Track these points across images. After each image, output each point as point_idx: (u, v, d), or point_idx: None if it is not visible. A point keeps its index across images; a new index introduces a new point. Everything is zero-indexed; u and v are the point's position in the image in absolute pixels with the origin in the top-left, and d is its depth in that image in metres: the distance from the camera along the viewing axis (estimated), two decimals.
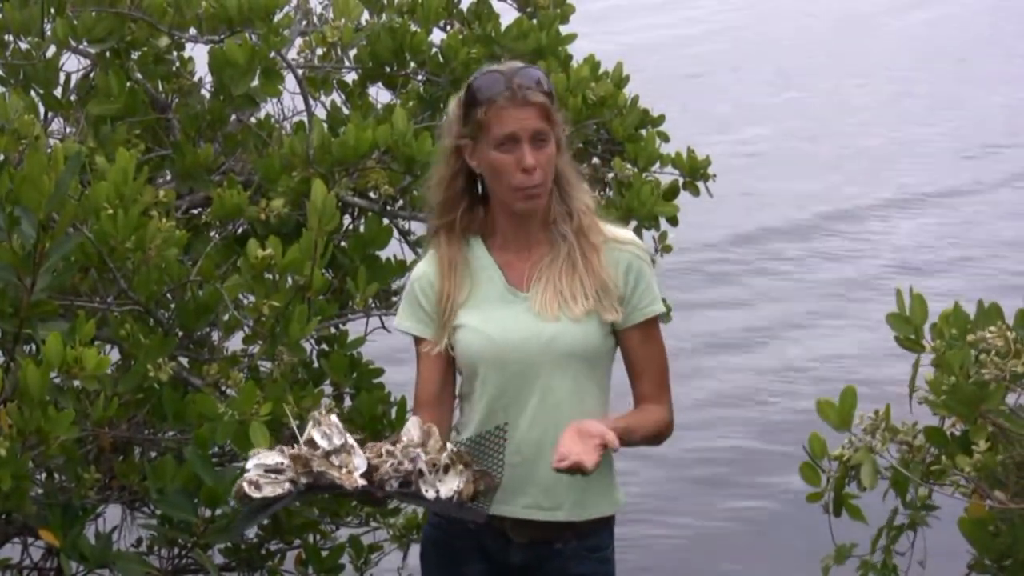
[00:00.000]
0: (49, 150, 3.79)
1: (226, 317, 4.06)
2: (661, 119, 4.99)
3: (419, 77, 4.97)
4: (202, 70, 4.65)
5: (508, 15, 5.23)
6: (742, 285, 9.61)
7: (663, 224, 4.77)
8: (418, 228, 4.49)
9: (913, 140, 12.96)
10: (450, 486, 3.01)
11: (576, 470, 2.97)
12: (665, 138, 4.94)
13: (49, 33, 4.44)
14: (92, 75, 4.65)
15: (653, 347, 3.31)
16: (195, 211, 4.56)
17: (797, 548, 5.39)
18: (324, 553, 4.34)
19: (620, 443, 3.11)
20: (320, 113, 4.76)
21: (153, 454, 4.12)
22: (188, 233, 4.09)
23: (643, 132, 4.91)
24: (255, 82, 4.48)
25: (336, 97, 5.01)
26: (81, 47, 4.56)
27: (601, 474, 3.12)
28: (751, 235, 10.50)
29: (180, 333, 4.11)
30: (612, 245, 3.29)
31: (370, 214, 4.56)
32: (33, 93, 4.48)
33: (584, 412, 3.21)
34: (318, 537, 4.43)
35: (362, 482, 2.99)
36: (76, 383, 3.54)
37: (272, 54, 4.45)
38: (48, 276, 3.62)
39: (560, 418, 3.18)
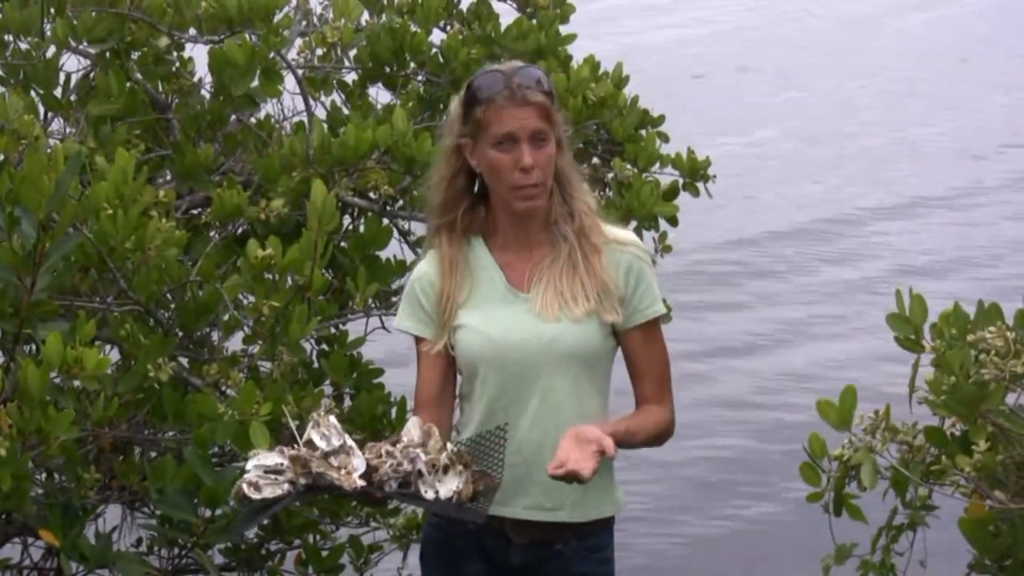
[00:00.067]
0: (49, 150, 3.79)
1: (226, 317, 4.06)
2: (661, 119, 5.00)
3: (419, 77, 4.97)
4: (202, 70, 4.65)
5: (508, 15, 5.23)
6: (743, 286, 9.60)
7: (663, 224, 4.77)
8: (418, 228, 4.49)
9: (915, 141, 12.95)
10: (449, 487, 3.01)
11: (572, 478, 2.97)
12: (665, 138, 4.94)
13: (49, 33, 4.44)
14: (92, 75, 4.65)
15: (654, 348, 3.31)
16: (195, 211, 4.56)
17: (798, 550, 5.39)
18: (324, 553, 4.34)
19: (622, 446, 3.11)
20: (320, 113, 4.77)
21: (153, 454, 4.12)
22: (188, 233, 4.09)
23: (643, 132, 4.91)
24: (255, 82, 4.48)
25: (336, 97, 5.01)
26: (81, 47, 4.56)
27: (601, 475, 3.12)
28: (751, 237, 10.48)
29: (180, 333, 4.11)
30: (613, 246, 3.28)
31: (370, 214, 4.56)
32: (33, 93, 4.48)
33: (584, 413, 3.21)
34: (318, 537, 4.43)
35: (361, 483, 2.99)
36: (76, 383, 3.54)
37: (272, 54, 4.45)
38: (48, 276, 3.62)
39: (561, 419, 3.19)
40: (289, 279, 3.91)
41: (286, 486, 2.96)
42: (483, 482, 3.06)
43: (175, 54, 4.70)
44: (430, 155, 4.16)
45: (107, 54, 4.58)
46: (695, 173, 4.87)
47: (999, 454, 3.00)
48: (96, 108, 4.45)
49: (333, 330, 4.41)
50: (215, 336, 4.22)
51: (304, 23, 5.00)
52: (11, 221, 3.54)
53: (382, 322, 4.53)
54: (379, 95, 5.01)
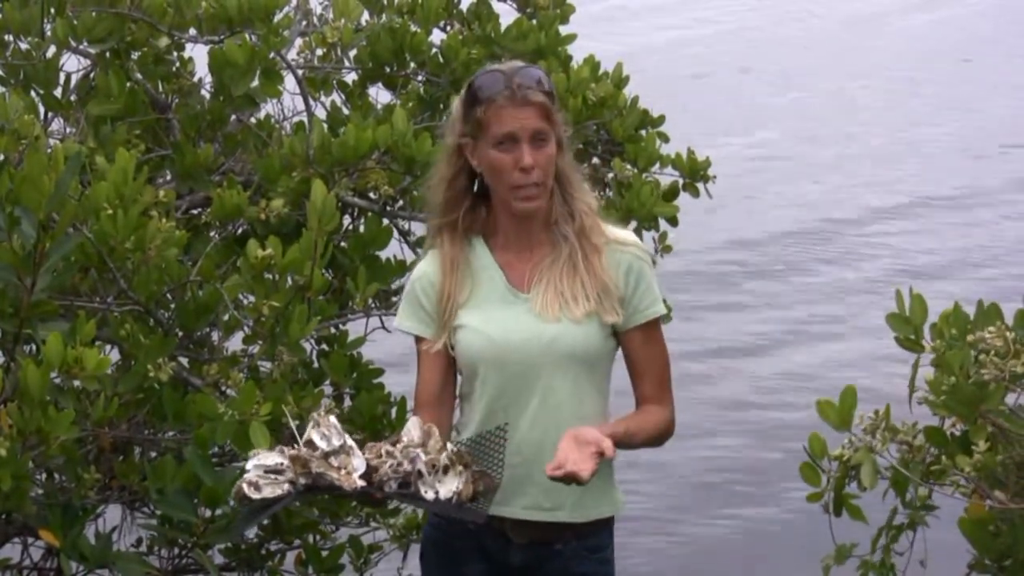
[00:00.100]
0: (49, 150, 3.79)
1: (226, 317, 4.06)
2: (661, 120, 5.00)
3: (419, 77, 4.97)
4: (202, 70, 4.65)
5: (508, 15, 5.23)
6: (742, 286, 9.60)
7: (663, 225, 4.77)
8: (418, 228, 4.49)
9: (916, 141, 12.94)
10: (449, 487, 3.00)
11: (571, 479, 2.97)
12: (665, 139, 4.94)
13: (49, 33, 4.44)
14: (92, 75, 4.65)
15: (655, 348, 3.31)
16: (195, 211, 4.56)
17: (797, 550, 5.39)
18: (324, 553, 4.34)
19: (621, 446, 3.12)
20: (320, 113, 4.77)
21: (153, 454, 4.12)
22: (188, 233, 4.09)
23: (643, 133, 4.91)
24: (255, 82, 4.48)
25: (336, 97, 5.01)
26: (81, 47, 4.56)
27: (601, 475, 3.12)
28: (751, 237, 10.48)
29: (180, 333, 4.11)
30: (613, 246, 3.28)
31: (370, 214, 4.56)
32: (33, 93, 4.48)
33: (584, 413, 3.21)
34: (318, 537, 4.43)
35: (361, 483, 2.99)
36: (76, 383, 3.54)
37: (272, 54, 4.45)
38: (48, 276, 3.62)
39: (561, 419, 3.19)
40: (289, 279, 3.91)
41: (286, 486, 2.96)
42: (483, 482, 3.05)
43: (175, 54, 4.70)
44: (430, 155, 4.16)
45: (107, 54, 4.59)
46: (695, 173, 4.87)
47: (999, 454, 3.00)
48: (96, 108, 4.46)
49: (333, 330, 4.41)
50: (215, 336, 4.22)
51: (304, 23, 5.00)
52: (11, 221, 3.54)
53: (382, 322, 4.53)
54: (379, 95, 5.01)
